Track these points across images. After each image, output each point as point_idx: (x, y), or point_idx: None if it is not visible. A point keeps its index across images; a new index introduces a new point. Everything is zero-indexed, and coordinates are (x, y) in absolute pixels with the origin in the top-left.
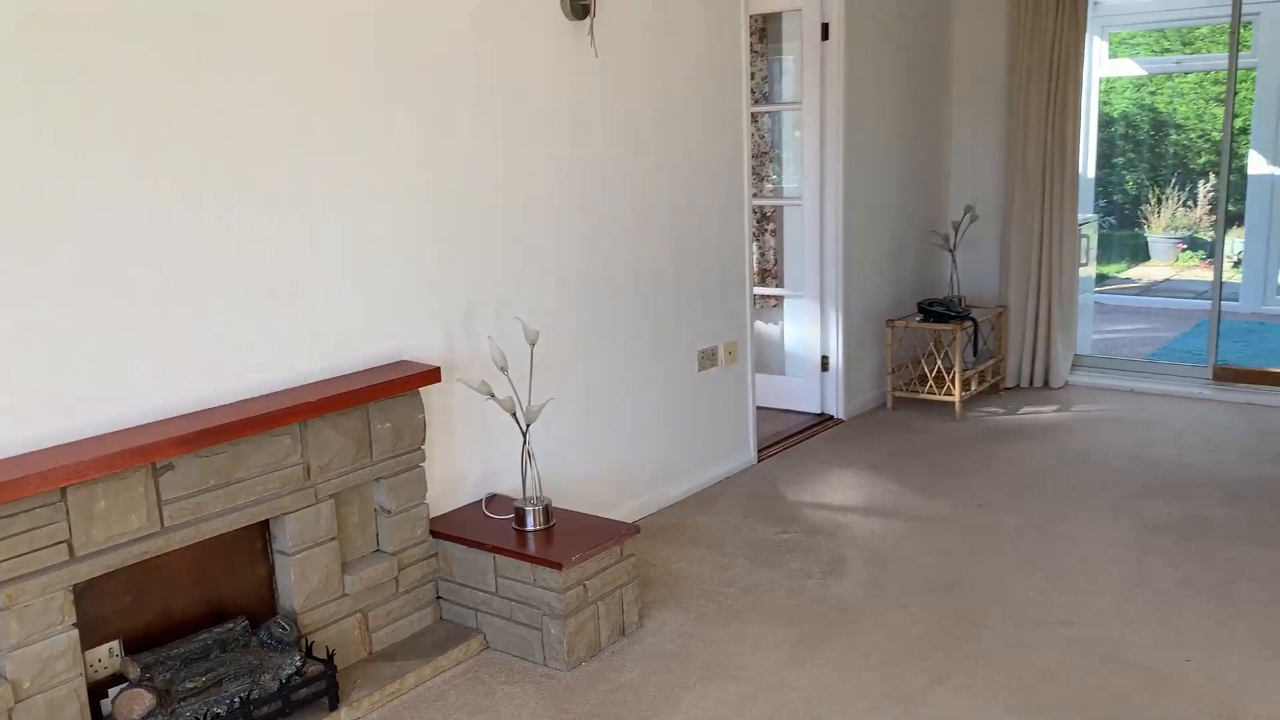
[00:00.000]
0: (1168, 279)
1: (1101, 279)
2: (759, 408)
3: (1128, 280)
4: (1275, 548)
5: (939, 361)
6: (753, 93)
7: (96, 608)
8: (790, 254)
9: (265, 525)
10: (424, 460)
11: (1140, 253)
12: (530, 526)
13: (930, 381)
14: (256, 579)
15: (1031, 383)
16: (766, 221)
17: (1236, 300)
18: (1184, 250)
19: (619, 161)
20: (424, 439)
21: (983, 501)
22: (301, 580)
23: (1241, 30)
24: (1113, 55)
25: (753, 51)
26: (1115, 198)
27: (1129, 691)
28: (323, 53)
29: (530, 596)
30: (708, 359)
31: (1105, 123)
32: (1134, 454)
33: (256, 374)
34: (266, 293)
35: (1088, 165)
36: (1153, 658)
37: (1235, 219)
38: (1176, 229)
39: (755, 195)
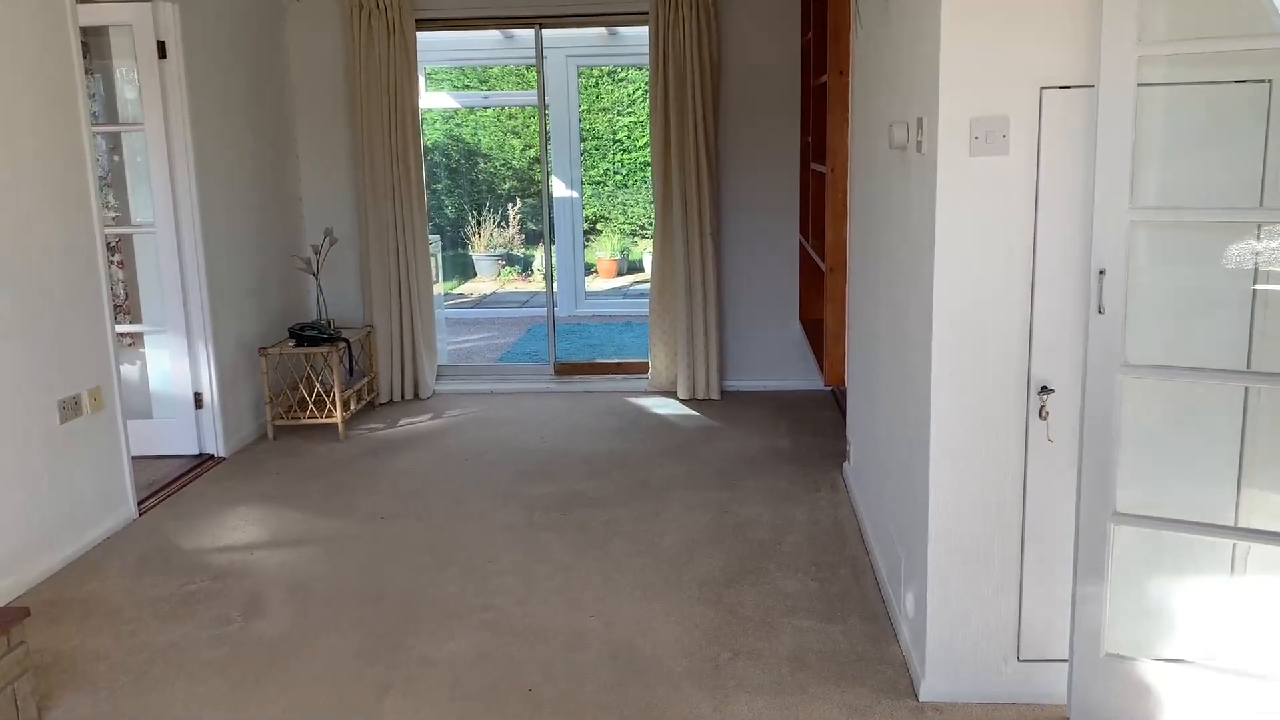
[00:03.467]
0: (494, 292)
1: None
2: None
3: (460, 295)
4: (633, 507)
5: (317, 385)
6: None
7: None
8: (146, 287)
9: None
10: None
11: (468, 270)
12: None
13: (311, 405)
14: None
15: (404, 395)
16: (112, 253)
17: (556, 306)
18: (505, 266)
19: None
20: None
21: (385, 513)
22: None
23: (529, 72)
24: (428, 89)
25: None
26: (439, 220)
27: (551, 655)
28: None
29: None
30: (70, 409)
31: (424, 151)
32: (505, 447)
33: None
34: None
35: None
36: (563, 621)
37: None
38: (495, 248)
39: None
